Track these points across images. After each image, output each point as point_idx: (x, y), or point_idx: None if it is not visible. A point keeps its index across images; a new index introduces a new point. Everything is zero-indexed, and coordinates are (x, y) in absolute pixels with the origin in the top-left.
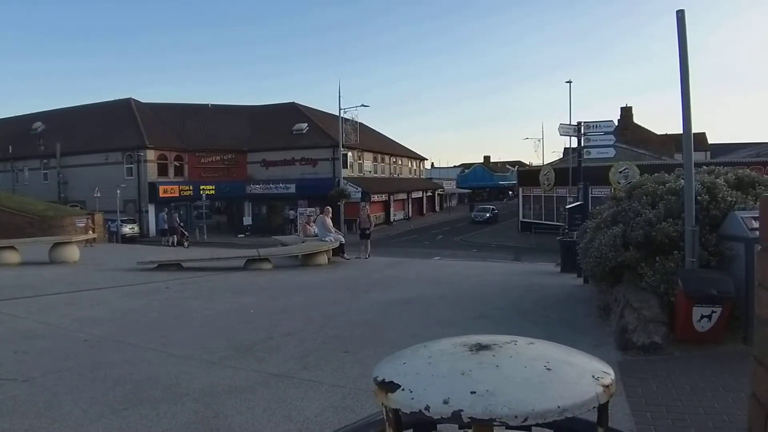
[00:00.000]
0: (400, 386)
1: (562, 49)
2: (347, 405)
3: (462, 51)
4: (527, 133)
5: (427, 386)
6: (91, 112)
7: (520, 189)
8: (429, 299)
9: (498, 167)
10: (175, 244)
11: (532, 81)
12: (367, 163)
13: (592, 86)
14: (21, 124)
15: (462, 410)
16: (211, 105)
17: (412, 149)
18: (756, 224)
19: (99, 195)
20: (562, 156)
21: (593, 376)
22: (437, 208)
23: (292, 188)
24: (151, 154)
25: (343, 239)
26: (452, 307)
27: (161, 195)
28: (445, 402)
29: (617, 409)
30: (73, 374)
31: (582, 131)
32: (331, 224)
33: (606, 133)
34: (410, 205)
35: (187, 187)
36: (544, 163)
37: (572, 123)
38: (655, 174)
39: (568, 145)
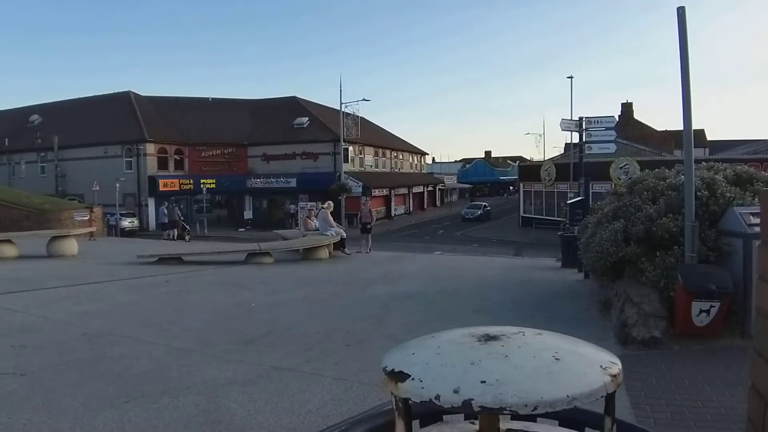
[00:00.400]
0: (410, 376)
1: (562, 43)
2: (349, 398)
3: (463, 46)
4: (528, 128)
5: (437, 376)
6: (90, 105)
7: (521, 184)
8: (430, 293)
9: (499, 162)
10: (176, 237)
11: (534, 76)
12: (368, 158)
13: (592, 81)
14: (17, 116)
15: (472, 399)
16: (212, 99)
17: (414, 144)
18: (754, 220)
19: (98, 188)
20: (563, 151)
21: (601, 366)
22: (438, 202)
23: (293, 182)
24: (150, 148)
25: (344, 234)
26: (453, 301)
27: (161, 189)
28: (455, 391)
29: (618, 402)
30: (71, 368)
31: (583, 126)
32: (332, 219)
33: (607, 129)
34: (411, 200)
35: (188, 181)
36: (545, 159)
37: (574, 118)
38: (656, 170)
39: (569, 141)
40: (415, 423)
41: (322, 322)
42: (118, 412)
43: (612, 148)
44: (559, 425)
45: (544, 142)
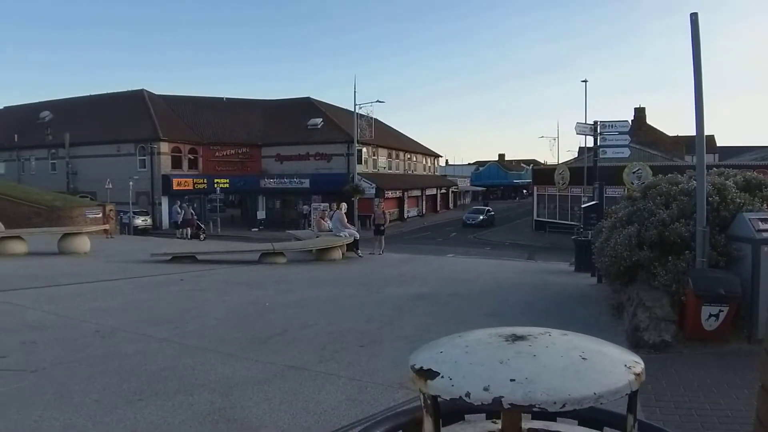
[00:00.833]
0: (439, 374)
1: (576, 46)
2: (364, 398)
3: (478, 49)
4: (542, 131)
5: (467, 374)
6: (102, 102)
7: (535, 188)
8: (442, 296)
9: (512, 165)
10: (190, 236)
11: (548, 79)
12: (382, 159)
13: (604, 85)
14: (27, 112)
15: (502, 396)
16: (226, 98)
17: (427, 146)
18: (762, 226)
19: (110, 186)
20: (576, 155)
21: (625, 365)
22: (451, 205)
23: (306, 183)
24: (164, 147)
25: (357, 235)
26: (466, 303)
27: (175, 188)
28: (486, 389)
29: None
30: (84, 365)
31: (598, 131)
32: (346, 220)
33: (621, 133)
34: (424, 202)
35: (201, 180)
36: (559, 162)
37: (588, 122)
38: (669, 175)
39: (583, 145)
40: None
41: (336, 322)
42: (132, 409)
43: (626, 152)
44: (579, 425)
45: (558, 146)
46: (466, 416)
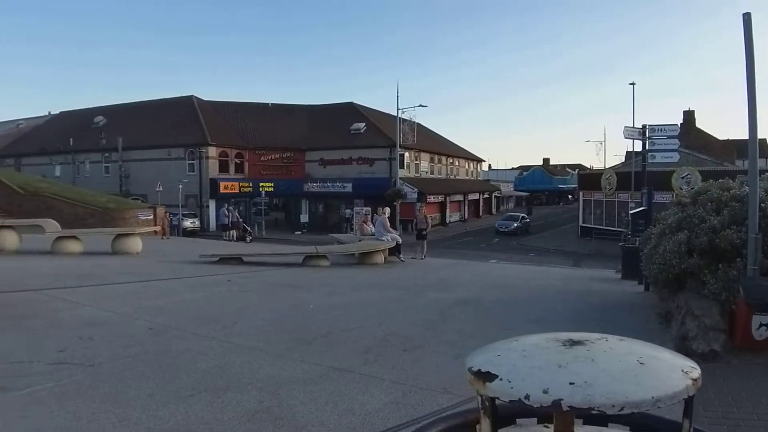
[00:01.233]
0: (497, 376)
1: (623, 48)
2: (408, 402)
3: (523, 53)
4: (588, 135)
5: (526, 377)
6: (153, 108)
7: (581, 193)
8: (486, 302)
9: (557, 170)
10: (236, 239)
11: (594, 81)
12: (424, 164)
13: (651, 88)
14: (82, 117)
15: (562, 399)
16: (272, 104)
17: (470, 150)
18: None
19: (161, 189)
20: (624, 160)
21: (682, 371)
22: (494, 210)
23: (349, 187)
24: (212, 151)
25: (400, 239)
26: (510, 310)
27: (222, 191)
28: (545, 391)
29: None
30: (138, 361)
31: (647, 134)
32: (389, 224)
33: (670, 137)
34: (466, 207)
35: (247, 184)
36: (606, 167)
37: (636, 126)
38: (720, 180)
39: (630, 149)
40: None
41: (379, 325)
42: (184, 404)
43: (675, 157)
44: (630, 431)
45: (605, 150)
46: (518, 420)
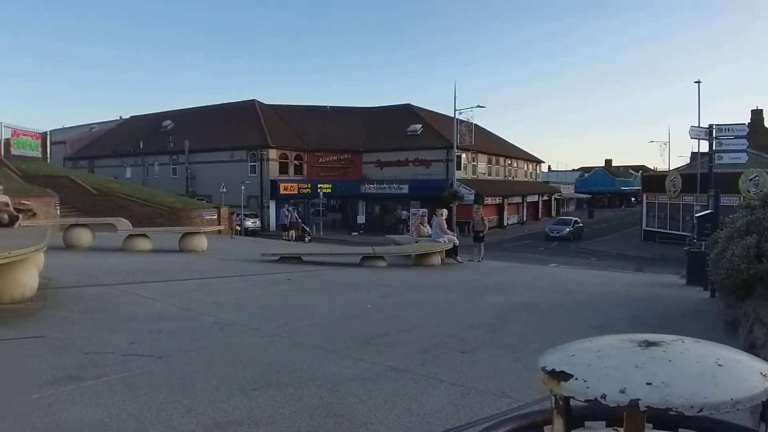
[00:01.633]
0: (572, 375)
1: (687, 45)
2: (467, 404)
3: (582, 51)
4: (652, 135)
5: (602, 376)
6: (218, 111)
7: (644, 195)
8: (546, 306)
9: (620, 172)
10: (295, 238)
11: (657, 80)
12: (481, 165)
13: (717, 86)
14: (151, 121)
15: (639, 399)
16: (329, 107)
17: (528, 151)
18: None
19: (225, 190)
20: (689, 161)
21: (761, 373)
22: (553, 213)
23: (405, 189)
24: (273, 153)
25: (457, 241)
26: (571, 315)
27: (281, 192)
28: (622, 391)
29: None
30: (204, 354)
31: (713, 134)
32: (446, 226)
33: (737, 137)
34: (525, 209)
35: (306, 185)
36: (670, 168)
37: (702, 125)
38: None
39: (695, 150)
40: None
41: (437, 327)
42: (247, 398)
43: (743, 158)
44: None
45: (669, 151)
46: (586, 423)
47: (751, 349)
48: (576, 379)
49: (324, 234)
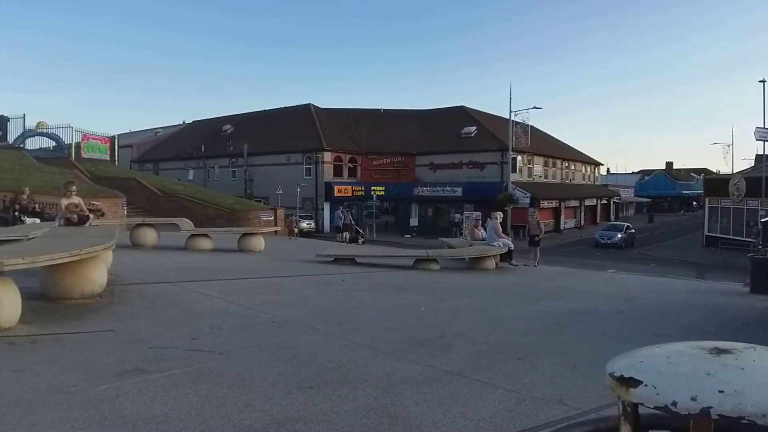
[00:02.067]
0: (642, 382)
1: (753, 45)
2: (522, 411)
3: (644, 52)
4: (715, 137)
5: (672, 383)
6: (275, 116)
7: (707, 199)
8: (604, 313)
9: (681, 175)
10: (348, 240)
11: (721, 80)
12: (537, 168)
13: None
14: (212, 126)
15: (711, 407)
16: (383, 110)
17: (586, 153)
18: None
19: (281, 192)
20: (753, 164)
21: None
22: (612, 217)
23: (459, 191)
24: (328, 156)
25: (512, 245)
26: (630, 322)
27: (336, 194)
28: (693, 399)
29: None
30: (262, 351)
31: None
32: (501, 229)
33: None
34: (582, 213)
35: (359, 188)
36: (734, 172)
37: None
38: None
39: (761, 152)
40: None
41: (491, 331)
42: (304, 395)
43: None
44: None
45: (733, 154)
46: None
47: None
48: (646, 385)
49: (377, 236)
